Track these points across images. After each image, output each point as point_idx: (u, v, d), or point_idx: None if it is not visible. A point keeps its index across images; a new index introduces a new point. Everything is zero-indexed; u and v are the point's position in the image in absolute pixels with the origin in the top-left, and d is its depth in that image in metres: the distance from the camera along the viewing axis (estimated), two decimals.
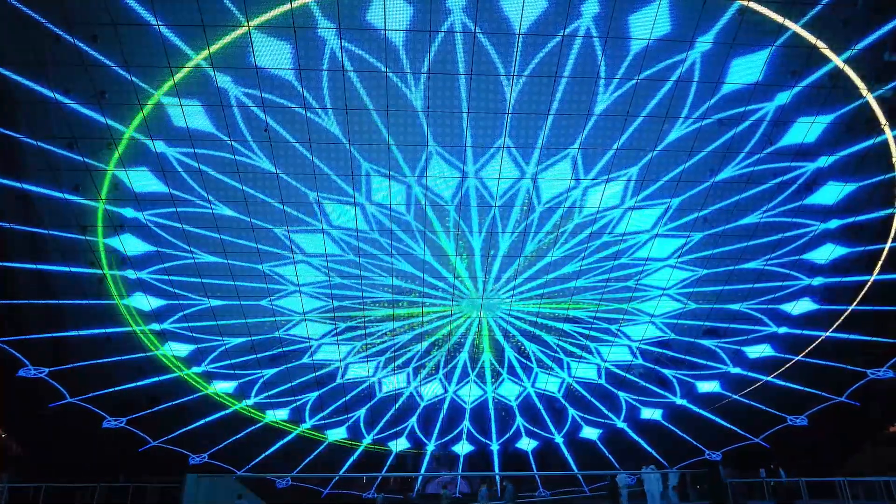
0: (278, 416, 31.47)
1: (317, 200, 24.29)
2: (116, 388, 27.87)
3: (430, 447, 33.69)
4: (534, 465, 33.82)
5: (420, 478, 35.20)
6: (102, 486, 25.77)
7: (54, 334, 26.28)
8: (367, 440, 32.71)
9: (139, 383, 28.42)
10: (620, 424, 32.47)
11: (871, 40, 20.02)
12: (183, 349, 28.25)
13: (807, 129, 22.00)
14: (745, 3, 19.21)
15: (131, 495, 26.07)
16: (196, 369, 29.00)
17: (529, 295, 28.48)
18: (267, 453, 31.97)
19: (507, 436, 33.28)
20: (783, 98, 21.41)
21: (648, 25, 19.38)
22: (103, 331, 26.76)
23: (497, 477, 34.43)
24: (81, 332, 26.33)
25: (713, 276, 26.77)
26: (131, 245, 24.72)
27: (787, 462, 27.97)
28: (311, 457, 32.43)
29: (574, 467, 33.45)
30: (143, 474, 29.25)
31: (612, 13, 19.45)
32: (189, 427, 30.02)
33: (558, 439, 33.18)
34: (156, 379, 28.55)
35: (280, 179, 23.33)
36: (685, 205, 24.78)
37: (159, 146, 22.41)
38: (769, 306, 27.84)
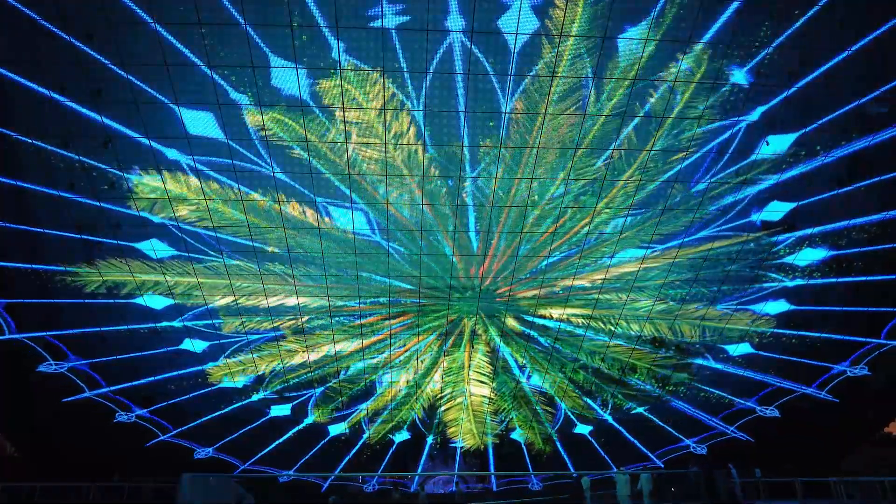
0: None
1: (320, 202, 24.42)
2: (129, 384, 28.15)
3: (430, 440, 33.81)
4: (528, 460, 34.05)
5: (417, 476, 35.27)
6: (98, 486, 25.69)
7: (74, 330, 26.32)
8: (369, 433, 32.80)
9: (152, 378, 28.62)
10: (608, 418, 32.57)
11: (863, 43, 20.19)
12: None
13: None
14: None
15: (127, 495, 26.00)
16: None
17: (525, 296, 28.48)
18: (270, 448, 32.13)
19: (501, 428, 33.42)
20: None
21: (636, 44, 20.08)
22: (127, 327, 26.92)
23: (493, 477, 34.62)
24: (102, 329, 26.57)
25: (695, 277, 26.98)
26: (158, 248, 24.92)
27: (778, 461, 28.23)
28: (313, 452, 32.57)
29: (568, 461, 33.76)
30: (139, 474, 29.14)
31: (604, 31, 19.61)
32: (195, 422, 30.24)
33: (552, 434, 33.33)
34: (171, 374, 28.75)
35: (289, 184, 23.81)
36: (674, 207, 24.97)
37: (172, 153, 22.50)
38: (746, 307, 28.06)
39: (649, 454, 33.24)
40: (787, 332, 28.06)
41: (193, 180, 23.07)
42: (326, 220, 25.26)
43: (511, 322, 29.76)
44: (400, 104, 22.70)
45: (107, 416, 28.34)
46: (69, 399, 27.27)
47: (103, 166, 22.44)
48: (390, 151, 23.03)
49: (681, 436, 32.79)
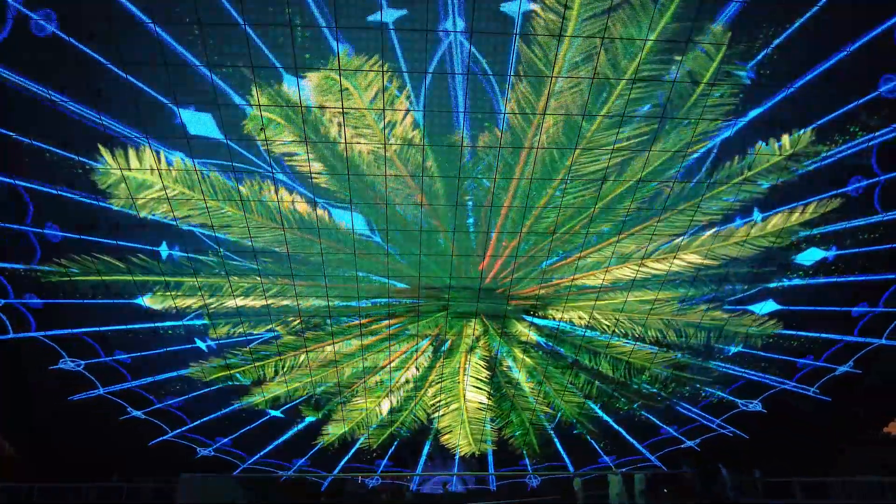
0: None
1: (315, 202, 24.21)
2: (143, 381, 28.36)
3: (428, 443, 33.79)
4: (527, 461, 34.15)
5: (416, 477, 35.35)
6: (97, 486, 25.69)
7: (95, 328, 26.49)
8: (364, 438, 32.81)
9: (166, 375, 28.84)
10: (599, 412, 32.56)
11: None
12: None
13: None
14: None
15: (127, 495, 26.00)
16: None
17: (526, 295, 28.31)
18: (269, 448, 32.28)
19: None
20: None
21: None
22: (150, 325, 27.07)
23: (492, 478, 34.65)
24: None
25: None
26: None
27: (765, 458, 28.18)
28: (311, 453, 32.68)
29: (567, 461, 34.00)
30: (139, 474, 29.18)
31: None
32: (201, 420, 30.51)
33: (552, 433, 33.37)
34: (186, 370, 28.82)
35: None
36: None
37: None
38: (745, 307, 28.06)
39: (647, 453, 33.21)
40: (789, 332, 27.95)
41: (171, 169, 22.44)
42: (320, 212, 24.78)
43: (511, 323, 29.61)
44: (396, 93, 22.10)
45: (106, 416, 28.35)
46: (82, 396, 27.39)
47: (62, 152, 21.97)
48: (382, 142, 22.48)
49: (668, 428, 32.85)
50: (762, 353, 29.05)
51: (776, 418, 30.43)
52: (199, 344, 28.34)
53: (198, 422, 30.80)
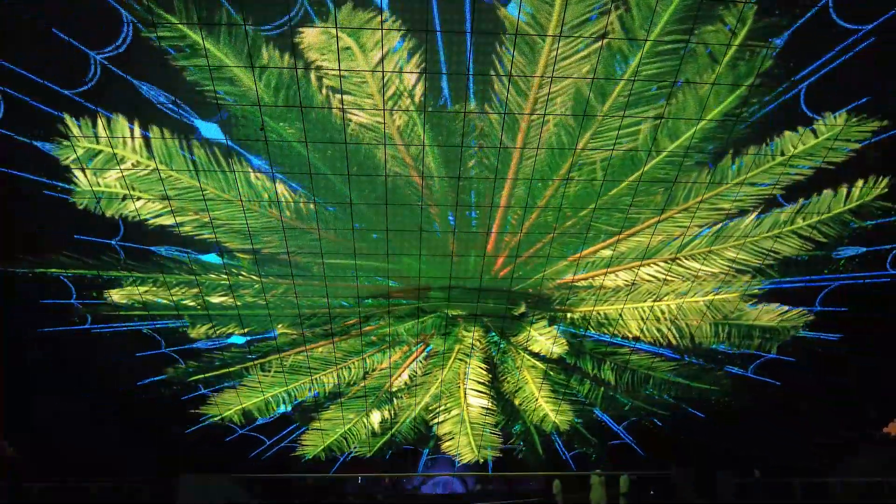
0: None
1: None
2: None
3: (427, 450, 33.77)
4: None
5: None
6: (98, 485, 25.69)
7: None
8: (355, 448, 32.74)
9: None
10: (598, 412, 32.53)
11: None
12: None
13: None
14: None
15: (127, 495, 25.99)
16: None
17: (535, 294, 28.16)
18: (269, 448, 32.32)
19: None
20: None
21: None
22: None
23: (487, 476, 34.58)
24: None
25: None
26: None
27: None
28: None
29: (563, 453, 34.15)
30: (139, 474, 29.17)
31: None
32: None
33: (552, 435, 33.37)
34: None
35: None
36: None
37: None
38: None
39: (639, 449, 32.97)
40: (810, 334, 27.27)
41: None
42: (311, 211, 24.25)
43: (521, 327, 29.38)
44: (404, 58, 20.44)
45: (105, 415, 28.43)
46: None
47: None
48: (386, 116, 21.13)
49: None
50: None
51: (770, 414, 30.25)
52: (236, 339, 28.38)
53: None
